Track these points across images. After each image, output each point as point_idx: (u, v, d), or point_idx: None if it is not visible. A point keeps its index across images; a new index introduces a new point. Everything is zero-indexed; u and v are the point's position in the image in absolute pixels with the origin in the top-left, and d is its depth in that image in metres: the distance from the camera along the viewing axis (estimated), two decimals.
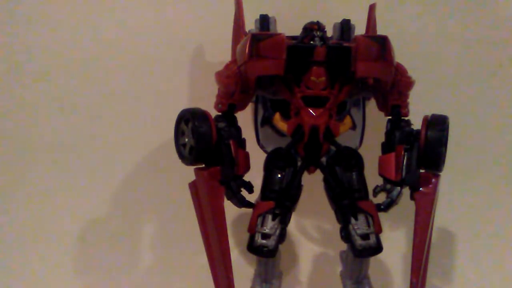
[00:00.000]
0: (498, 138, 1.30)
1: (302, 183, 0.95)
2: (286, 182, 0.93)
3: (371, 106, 1.03)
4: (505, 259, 1.33)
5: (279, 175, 0.94)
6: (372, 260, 0.96)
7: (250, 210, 0.93)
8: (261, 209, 0.92)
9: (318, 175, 0.96)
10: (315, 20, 0.91)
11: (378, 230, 0.92)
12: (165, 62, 1.25)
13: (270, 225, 0.91)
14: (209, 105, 0.95)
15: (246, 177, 0.94)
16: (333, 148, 0.94)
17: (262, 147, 1.02)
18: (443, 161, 0.91)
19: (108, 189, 1.29)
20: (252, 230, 0.92)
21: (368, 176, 0.95)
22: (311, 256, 1.32)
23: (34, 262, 1.31)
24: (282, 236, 0.92)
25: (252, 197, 0.94)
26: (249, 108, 1.02)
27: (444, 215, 1.25)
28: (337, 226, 0.94)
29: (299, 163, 0.94)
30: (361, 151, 0.97)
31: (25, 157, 1.28)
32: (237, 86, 0.91)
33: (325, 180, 0.95)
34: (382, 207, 0.93)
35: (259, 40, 0.87)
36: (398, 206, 0.93)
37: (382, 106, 0.98)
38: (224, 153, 0.89)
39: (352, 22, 1.00)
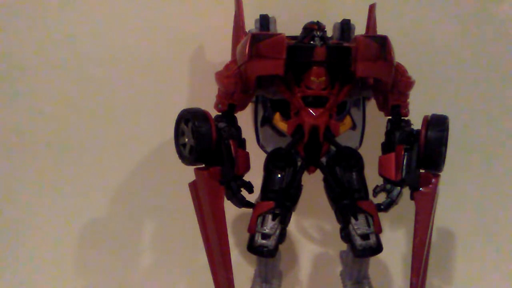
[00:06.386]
0: (498, 138, 1.30)
1: (302, 183, 0.95)
2: (286, 182, 0.93)
3: (371, 106, 1.03)
4: (505, 259, 1.33)
5: (279, 175, 0.94)
6: (372, 260, 0.96)
7: (250, 210, 0.93)
8: (261, 209, 0.92)
9: (318, 175, 0.96)
10: (315, 20, 0.91)
11: (378, 230, 0.92)
12: (165, 62, 1.25)
13: (270, 225, 0.91)
14: (209, 105, 0.95)
15: (246, 177, 0.94)
16: (333, 148, 0.95)
17: (262, 147, 1.02)
18: (443, 161, 0.91)
19: (107, 189, 1.29)
20: (252, 230, 0.92)
21: (368, 176, 0.95)
22: (311, 256, 1.32)
23: (34, 262, 1.31)
24: (282, 236, 0.92)
25: (252, 197, 0.94)
26: (249, 108, 1.02)
27: (444, 215, 1.25)
28: (337, 226, 0.94)
29: (299, 163, 0.94)
30: (361, 151, 0.97)
31: (24, 157, 1.28)
32: (237, 86, 0.91)
33: (325, 180, 0.95)
34: (382, 207, 0.93)
35: (259, 40, 0.87)
36: (398, 206, 0.93)
37: (382, 106, 0.98)
38: (224, 153, 0.89)
39: (352, 22, 1.00)
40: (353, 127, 1.01)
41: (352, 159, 0.94)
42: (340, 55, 0.89)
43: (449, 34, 1.26)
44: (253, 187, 0.93)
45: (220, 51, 1.13)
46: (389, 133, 0.96)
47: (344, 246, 0.98)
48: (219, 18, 1.20)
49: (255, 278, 0.99)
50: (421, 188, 0.90)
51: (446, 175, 0.94)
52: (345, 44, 0.91)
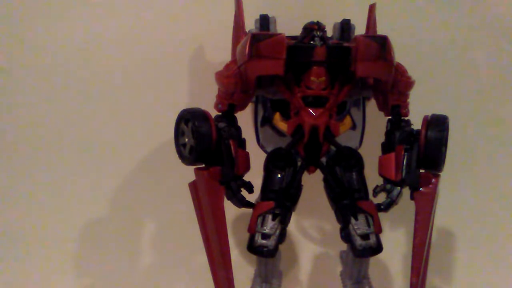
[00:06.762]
0: (498, 138, 1.30)
1: (302, 183, 0.95)
2: (286, 182, 0.93)
3: (371, 106, 1.03)
4: (505, 259, 1.33)
5: (279, 175, 0.94)
6: (372, 260, 0.96)
7: (250, 210, 0.93)
8: (261, 209, 0.91)
9: (318, 175, 0.96)
10: (315, 20, 0.90)
11: (378, 230, 0.92)
12: (165, 62, 1.25)
13: (270, 225, 0.91)
14: (209, 105, 0.95)
15: (246, 177, 0.94)
16: (333, 148, 0.94)
17: (262, 147, 1.02)
18: (443, 161, 0.91)
19: (107, 189, 1.29)
20: (252, 230, 0.92)
21: (368, 176, 0.95)
22: (311, 256, 1.32)
23: (34, 262, 1.31)
24: (282, 236, 0.91)
25: (252, 197, 0.94)
26: (249, 108, 1.02)
27: (444, 215, 1.25)
28: (337, 226, 0.94)
29: (299, 163, 0.94)
30: (361, 151, 0.97)
31: (24, 157, 1.28)
32: (237, 86, 0.91)
33: (325, 180, 0.95)
34: (382, 207, 0.93)
35: (259, 40, 0.87)
36: (398, 206, 0.93)
37: (382, 106, 0.98)
38: (224, 153, 0.89)
39: (352, 22, 1.00)
40: (353, 127, 1.01)
41: (352, 159, 0.94)
42: (340, 55, 0.89)
43: (449, 34, 1.26)
44: (253, 187, 0.93)
45: (220, 51, 1.13)
46: (389, 133, 0.96)
47: (344, 246, 0.98)
48: (219, 18, 1.21)
49: (255, 278, 0.99)
50: (421, 188, 0.90)
51: (446, 175, 0.94)
52: (345, 44, 0.91)
